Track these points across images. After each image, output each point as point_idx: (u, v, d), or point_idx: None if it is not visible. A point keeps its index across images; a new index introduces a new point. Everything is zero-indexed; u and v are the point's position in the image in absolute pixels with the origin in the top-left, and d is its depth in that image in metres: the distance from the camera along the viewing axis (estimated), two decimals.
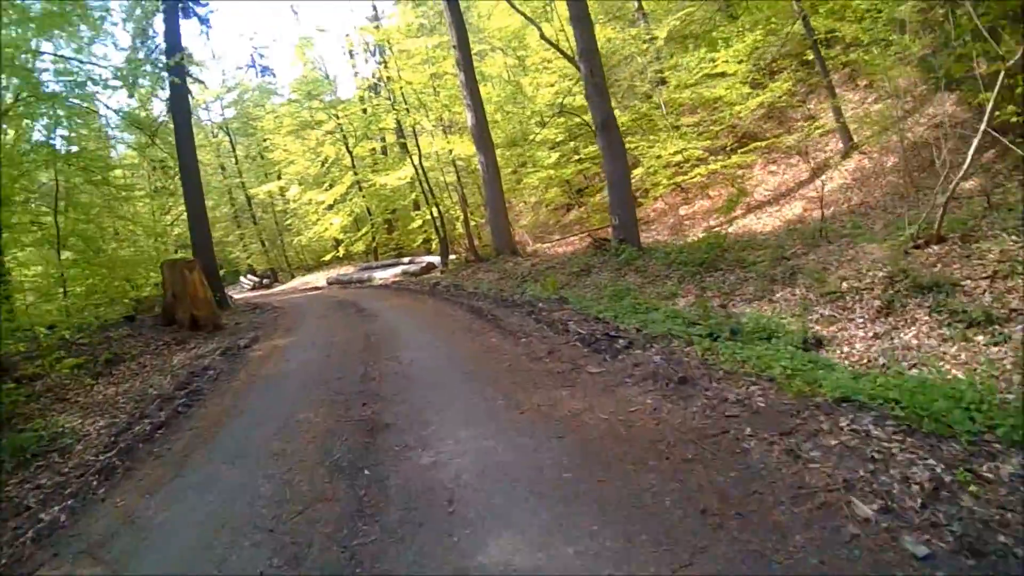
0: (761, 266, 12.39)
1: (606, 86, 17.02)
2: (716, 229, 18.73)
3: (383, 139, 35.57)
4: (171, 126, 23.03)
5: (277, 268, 43.28)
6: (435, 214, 24.45)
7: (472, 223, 24.07)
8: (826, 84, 19.50)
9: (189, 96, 35.48)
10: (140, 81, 26.99)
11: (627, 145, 25.04)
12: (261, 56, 49.87)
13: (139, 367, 12.39)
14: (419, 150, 24.76)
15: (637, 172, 22.27)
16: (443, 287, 18.37)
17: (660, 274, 13.99)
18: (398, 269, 25.72)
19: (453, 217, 27.60)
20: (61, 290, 19.17)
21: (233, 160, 44.79)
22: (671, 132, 22.22)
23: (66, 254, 20.30)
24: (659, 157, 21.66)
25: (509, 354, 8.09)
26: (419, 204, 30.55)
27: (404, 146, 29.40)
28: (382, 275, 25.97)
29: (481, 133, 21.27)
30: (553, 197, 27.88)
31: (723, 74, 21.33)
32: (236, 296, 31.76)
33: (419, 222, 30.02)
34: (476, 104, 21.27)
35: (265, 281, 40.37)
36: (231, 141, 44.78)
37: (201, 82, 39.75)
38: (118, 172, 28.16)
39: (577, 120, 23.94)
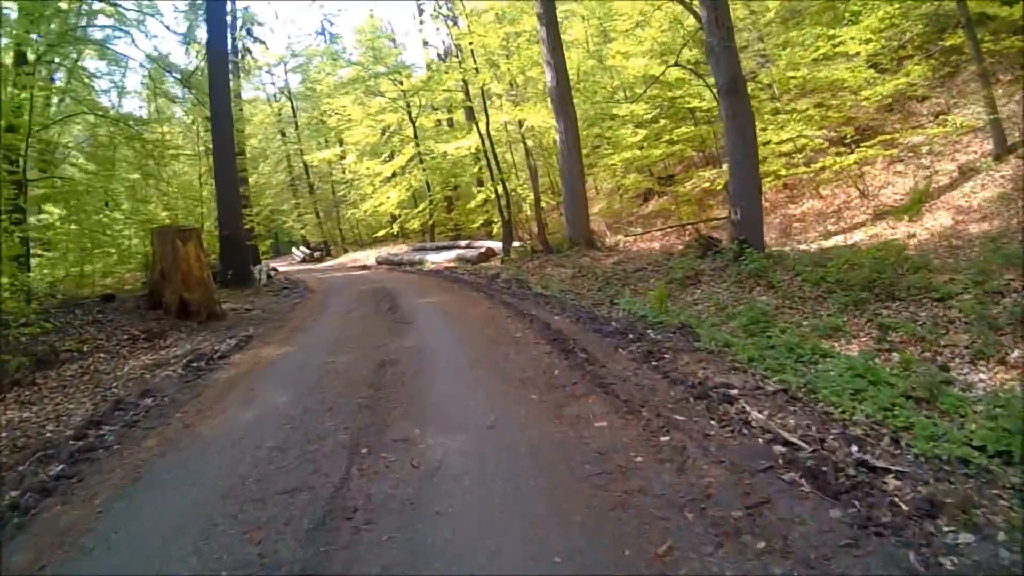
0: (966, 301, 7.91)
1: (734, 37, 12.32)
2: (838, 235, 14.77)
3: (449, 110, 31.06)
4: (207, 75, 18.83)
5: (330, 241, 39.30)
6: (500, 192, 19.76)
7: (541, 205, 19.35)
8: (979, 72, 14.72)
9: (229, 39, 31.84)
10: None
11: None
12: (331, 23, 45.77)
13: (76, 375, 8.62)
14: (487, 115, 20.10)
15: None
16: (503, 282, 13.90)
17: (805, 295, 9.54)
18: (453, 253, 21.21)
19: (520, 197, 23.00)
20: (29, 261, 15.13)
21: (294, 127, 40.73)
22: (789, 116, 17.42)
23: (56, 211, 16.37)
24: (767, 143, 17.00)
25: (650, 491, 3.47)
26: (482, 181, 26.05)
27: (471, 112, 24.77)
28: (435, 259, 21.53)
29: (561, 97, 16.63)
30: (633, 183, 23.06)
31: (844, 55, 16.87)
32: (282, 268, 28.30)
33: (480, 199, 25.44)
34: (558, 62, 16.64)
35: (316, 254, 36.83)
36: (292, 107, 40.69)
37: (262, 42, 36.06)
38: (162, 129, 24.68)
39: (673, 94, 19.25)
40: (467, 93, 22.23)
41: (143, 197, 21.64)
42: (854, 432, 4.27)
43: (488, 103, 21.32)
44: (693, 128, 20.24)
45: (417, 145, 27.79)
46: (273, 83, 41.76)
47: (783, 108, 17.97)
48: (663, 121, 20.58)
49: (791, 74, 17.61)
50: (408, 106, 28.07)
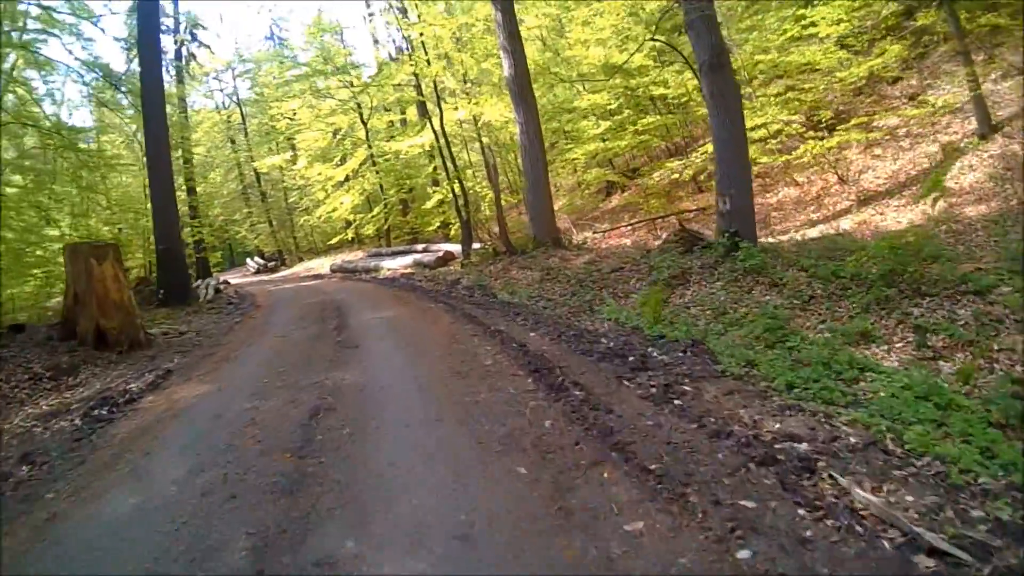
0: (1009, 296, 6.63)
1: (714, 10, 10.80)
2: (821, 223, 13.56)
3: (402, 110, 29.24)
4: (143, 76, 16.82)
5: (285, 250, 37.35)
6: (456, 191, 17.96)
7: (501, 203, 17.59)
8: (962, 48, 13.76)
9: (172, 44, 29.79)
10: None
11: (694, 116, 19.13)
12: (279, 28, 43.42)
13: None
14: (440, 110, 18.32)
15: (710, 148, 16.36)
16: (465, 289, 12.25)
17: (816, 293, 8.10)
18: (409, 259, 19.39)
19: (478, 196, 21.28)
20: None
21: (244, 134, 38.65)
22: (763, 100, 16.06)
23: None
24: None
25: None
26: (438, 181, 24.29)
27: (423, 108, 22.94)
28: (391, 264, 19.76)
29: (520, 85, 14.96)
30: (595, 178, 21.46)
31: (813, 37, 15.56)
32: (235, 280, 26.54)
33: (436, 200, 23.49)
34: (515, 48, 14.97)
35: (271, 264, 34.79)
36: (242, 113, 38.59)
37: (207, 46, 33.87)
38: (100, 139, 22.90)
39: (638, 82, 17.84)
40: (419, 88, 20.45)
41: (81, 211, 19.80)
42: (1003, 512, 2.73)
43: (441, 99, 19.63)
44: (659, 117, 18.87)
45: (369, 147, 25.95)
46: (222, 90, 39.57)
47: (753, 93, 16.57)
48: (626, 111, 19.13)
49: (760, 58, 16.24)
50: (359, 107, 26.18)
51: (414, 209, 28.08)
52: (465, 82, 22.46)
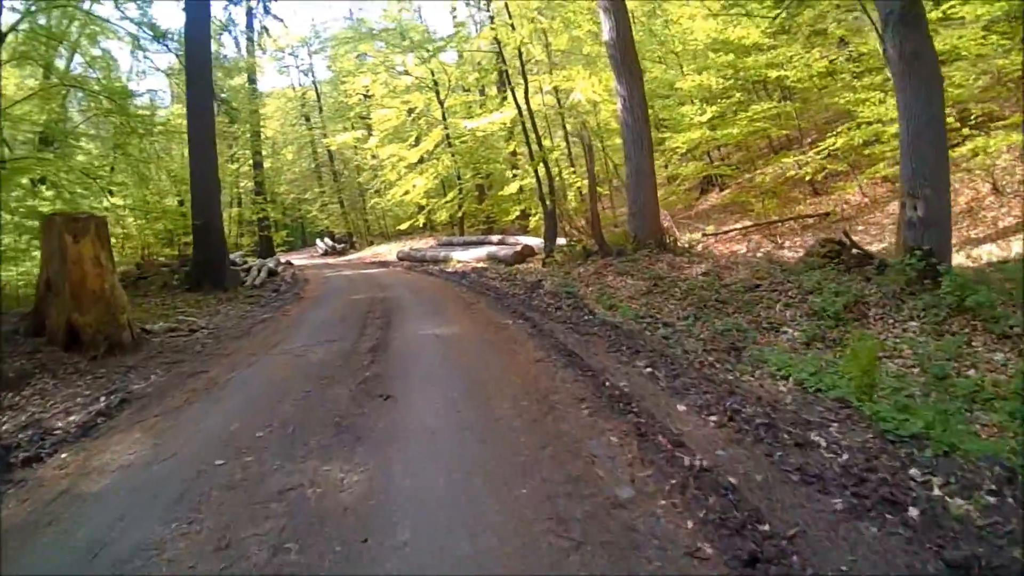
0: None
1: None
2: (985, 243, 10.57)
3: (482, 91, 26.44)
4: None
5: (355, 233, 35.15)
6: (541, 174, 14.96)
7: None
8: None
9: (244, 14, 27.50)
10: None
11: (818, 100, 15.97)
12: (360, 9, 41.42)
13: None
14: (525, 81, 15.26)
15: (837, 143, 13.68)
16: (549, 296, 9.32)
17: None
18: (483, 251, 16.53)
19: (565, 184, 18.31)
20: None
21: (318, 111, 36.53)
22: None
23: None
24: (879, 121, 12.78)
25: None
26: (517, 165, 21.48)
27: (504, 82, 20.04)
28: (462, 256, 16.99)
29: (623, 51, 11.84)
30: (694, 172, 18.28)
31: (951, 20, 12.65)
32: (300, 262, 24.51)
33: (516, 187, 20.64)
34: (617, 7, 11.82)
35: (339, 247, 32.59)
36: (316, 91, 36.58)
37: (280, 19, 31.91)
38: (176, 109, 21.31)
39: (755, 62, 14.74)
40: (501, 56, 17.35)
41: (134, 182, 17.81)
42: None
43: (525, 62, 16.79)
44: (775, 104, 15.73)
45: (445, 127, 23.31)
46: (297, 67, 37.70)
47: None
48: (737, 95, 16.00)
49: None
50: (436, 84, 23.57)
51: (491, 196, 25.27)
52: (549, 54, 19.56)
